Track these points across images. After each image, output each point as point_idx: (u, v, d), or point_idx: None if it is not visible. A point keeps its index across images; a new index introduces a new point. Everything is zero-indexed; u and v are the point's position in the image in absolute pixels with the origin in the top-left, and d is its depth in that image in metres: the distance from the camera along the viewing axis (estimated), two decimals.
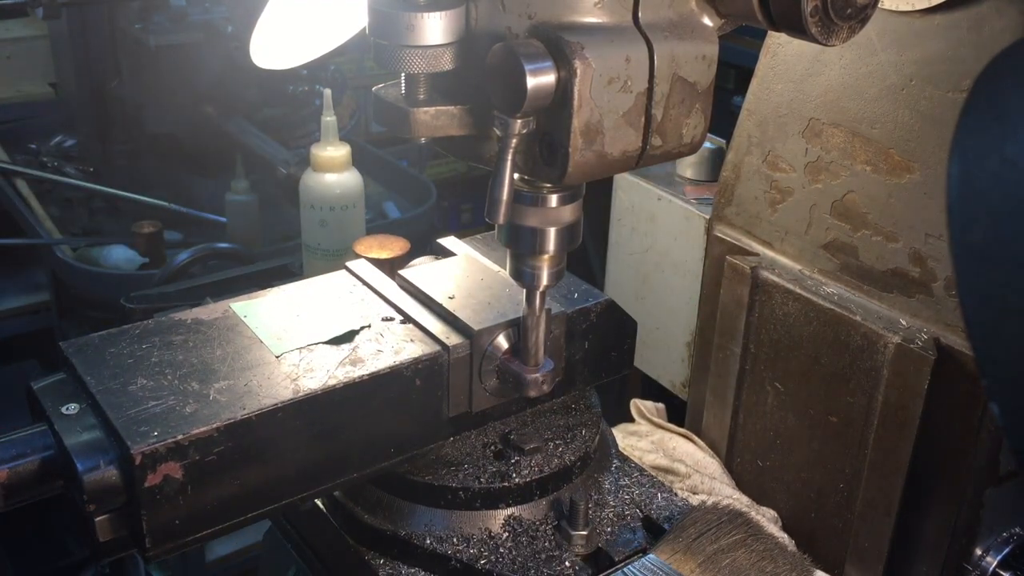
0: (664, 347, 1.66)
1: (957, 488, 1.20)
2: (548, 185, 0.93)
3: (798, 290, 1.31)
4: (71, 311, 2.45)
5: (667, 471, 1.42)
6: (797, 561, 1.12)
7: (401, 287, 1.13)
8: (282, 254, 2.13)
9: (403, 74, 0.89)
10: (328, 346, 1.02)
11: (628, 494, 1.14)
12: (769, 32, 1.02)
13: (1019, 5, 1.08)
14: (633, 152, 0.88)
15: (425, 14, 0.84)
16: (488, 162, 0.92)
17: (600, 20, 0.84)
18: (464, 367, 1.04)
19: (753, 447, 1.43)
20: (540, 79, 0.81)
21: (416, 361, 1.01)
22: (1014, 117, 0.63)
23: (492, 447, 1.11)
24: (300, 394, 0.94)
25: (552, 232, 0.95)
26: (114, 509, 0.89)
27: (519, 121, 0.83)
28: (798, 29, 0.87)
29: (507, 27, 0.85)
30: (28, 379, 0.97)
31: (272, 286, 1.14)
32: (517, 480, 1.07)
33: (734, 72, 2.83)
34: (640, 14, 0.85)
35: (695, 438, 1.50)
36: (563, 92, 0.82)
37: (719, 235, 1.45)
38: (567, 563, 1.03)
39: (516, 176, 0.91)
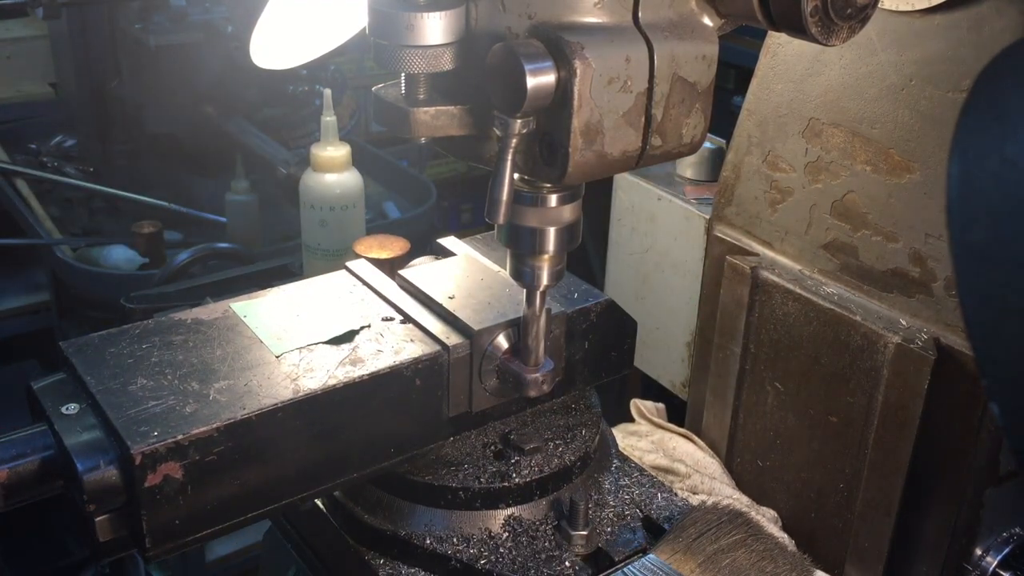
0: (664, 347, 1.66)
1: (957, 488, 1.20)
2: (548, 185, 0.93)
3: (798, 290, 1.31)
4: (71, 311, 2.45)
5: (667, 471, 1.42)
6: (797, 561, 1.12)
7: (401, 287, 1.13)
8: (282, 254, 2.13)
9: (403, 74, 0.89)
10: (328, 346, 1.02)
11: (628, 494, 1.14)
12: (769, 32, 1.02)
13: (1019, 5, 1.08)
14: (633, 152, 0.88)
15: (425, 14, 0.84)
16: (488, 162, 0.92)
17: (600, 20, 0.84)
18: (464, 367, 1.04)
19: (753, 447, 1.43)
20: (540, 79, 0.81)
21: (416, 361, 1.01)
22: (1014, 117, 0.63)
23: (492, 447, 1.11)
24: (300, 394, 0.94)
25: (552, 232, 0.95)
26: (114, 509, 0.89)
27: (519, 121, 0.83)
28: (798, 29, 0.87)
29: (507, 27, 0.85)
30: (28, 379, 0.97)
31: (272, 286, 1.14)
32: (517, 480, 1.07)
33: (734, 72, 2.83)
34: (640, 14, 0.85)
35: (695, 438, 1.50)
36: (563, 92, 0.82)
37: (719, 235, 1.45)
38: (567, 563, 1.03)
39: (516, 176, 0.91)
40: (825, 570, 1.24)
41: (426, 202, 2.54)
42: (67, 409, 0.92)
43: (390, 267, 1.20)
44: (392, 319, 1.07)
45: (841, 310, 1.27)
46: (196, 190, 2.63)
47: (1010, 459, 1.17)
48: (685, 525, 1.07)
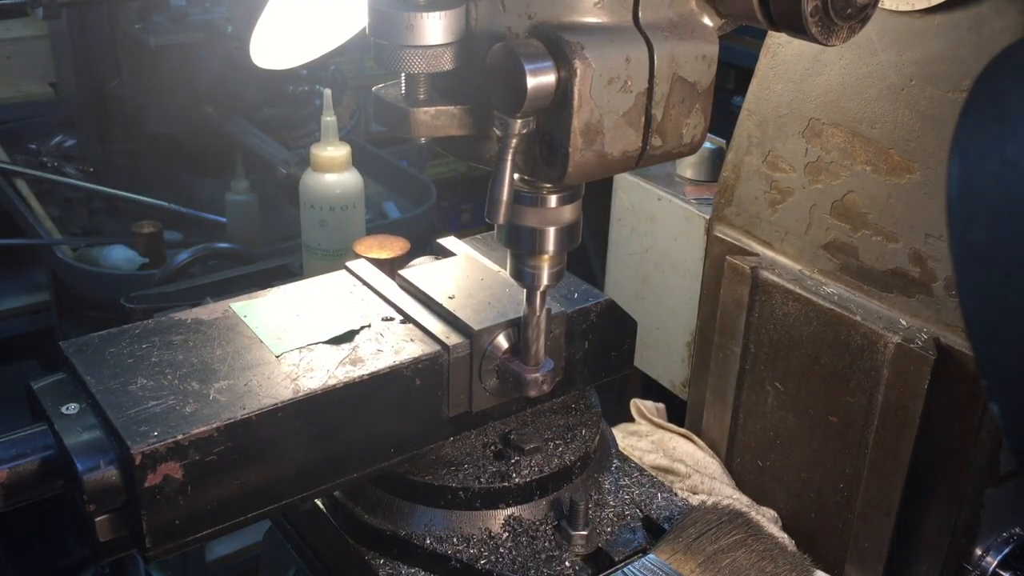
0: (664, 347, 1.66)
1: (957, 488, 1.20)
2: (548, 185, 0.93)
3: (798, 290, 1.31)
4: (71, 311, 2.45)
5: (667, 471, 1.42)
6: (797, 561, 1.12)
7: (401, 287, 1.13)
8: (282, 254, 2.13)
9: (403, 74, 0.89)
10: (328, 346, 1.02)
11: (628, 494, 1.14)
12: (769, 32, 1.02)
13: (1019, 5, 1.08)
14: (633, 152, 0.88)
15: (425, 14, 0.84)
16: (488, 162, 0.92)
17: (600, 20, 0.84)
18: (464, 367, 1.04)
19: (753, 447, 1.43)
20: (540, 79, 0.81)
21: (416, 361, 1.01)
22: (1014, 117, 0.63)
23: (492, 447, 1.11)
24: (300, 394, 0.94)
25: (552, 232, 0.95)
26: (114, 509, 0.89)
27: (519, 121, 0.83)
28: (798, 29, 0.87)
29: (507, 27, 0.85)
30: (28, 379, 0.97)
31: (272, 286, 1.14)
32: (517, 480, 1.07)
33: (734, 72, 2.83)
34: (640, 14, 0.85)
35: (695, 438, 1.50)
36: (563, 92, 0.82)
37: (719, 235, 1.45)
38: (567, 563, 1.03)
39: (516, 176, 0.91)
40: (825, 570, 1.24)
41: (426, 202, 2.54)
42: (67, 409, 0.92)
43: (390, 267, 1.20)
44: (392, 319, 1.07)
45: (841, 310, 1.27)
46: (196, 190, 2.63)
47: (1010, 459, 1.17)
48: (685, 525, 1.07)
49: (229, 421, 0.90)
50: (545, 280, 0.99)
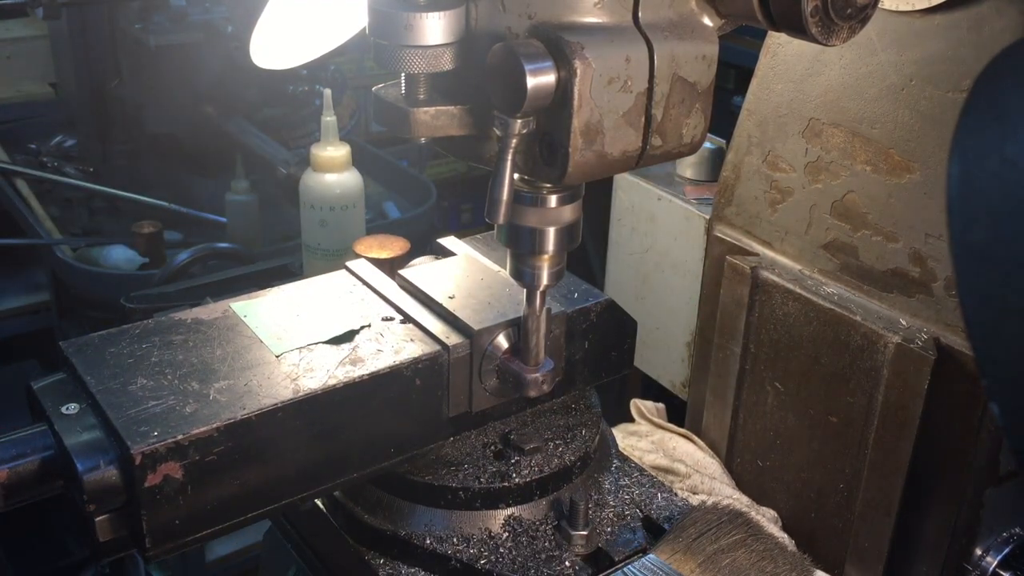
0: (664, 347, 1.66)
1: (957, 488, 1.20)
2: (548, 185, 0.93)
3: (798, 290, 1.31)
4: (71, 311, 2.45)
5: (667, 471, 1.42)
6: (797, 561, 1.12)
7: (401, 287, 1.13)
8: (282, 254, 2.13)
9: (403, 74, 0.89)
10: (328, 346, 1.02)
11: (628, 494, 1.14)
12: (769, 32, 1.02)
13: (1019, 5, 1.08)
14: (633, 152, 0.88)
15: (425, 14, 0.84)
16: (488, 162, 0.92)
17: (600, 20, 0.84)
18: (464, 367, 1.04)
19: (753, 447, 1.43)
20: (540, 79, 0.81)
21: (416, 361, 1.01)
22: (1014, 117, 0.63)
23: (492, 447, 1.11)
24: (300, 394, 0.94)
25: (552, 232, 0.95)
26: (114, 509, 0.89)
27: (519, 121, 0.83)
28: (798, 29, 0.87)
29: (507, 27, 0.85)
30: (28, 379, 0.97)
31: (272, 286, 1.14)
32: (517, 480, 1.07)
33: (734, 72, 2.83)
34: (640, 14, 0.85)
35: (695, 438, 1.50)
36: (563, 92, 0.82)
37: (719, 235, 1.45)
38: (567, 563, 1.03)
39: (516, 176, 0.91)
40: (825, 570, 1.24)
41: (426, 202, 2.54)
42: (67, 409, 0.92)
43: (390, 267, 1.20)
44: (392, 319, 1.07)
45: (841, 310, 1.27)
46: (196, 190, 2.63)
47: (1010, 459, 1.17)
48: (685, 525, 1.07)
49: (229, 421, 0.90)
50: (545, 280, 0.99)
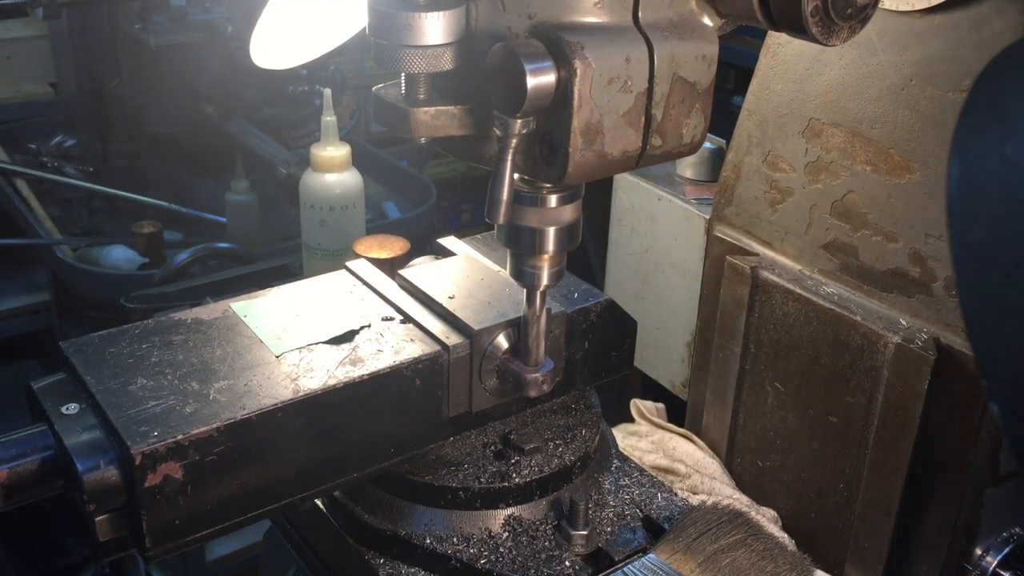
0: (664, 347, 1.66)
1: (957, 488, 1.20)
2: (548, 185, 0.93)
3: (798, 290, 1.31)
4: (71, 311, 2.45)
5: (667, 471, 1.42)
6: (797, 561, 1.12)
7: (401, 287, 1.13)
8: (282, 254, 2.13)
9: (403, 74, 0.89)
10: (328, 346, 1.02)
11: (628, 494, 1.14)
12: (769, 32, 1.02)
13: (1019, 5, 1.08)
14: (633, 152, 0.88)
15: (425, 14, 0.84)
16: (488, 162, 0.92)
17: (600, 20, 0.84)
18: (464, 367, 1.04)
19: (753, 447, 1.43)
20: (540, 79, 0.81)
21: (416, 361, 1.01)
22: (1014, 117, 0.63)
23: (492, 447, 1.11)
24: (300, 394, 0.94)
25: (552, 232, 0.95)
26: (114, 509, 0.89)
27: (519, 121, 0.83)
28: (798, 29, 0.87)
29: (507, 27, 0.85)
30: (28, 379, 0.97)
31: (272, 286, 1.14)
32: (517, 480, 1.07)
33: (734, 72, 2.83)
34: (640, 14, 0.85)
35: (695, 438, 1.50)
36: (563, 92, 0.82)
37: (719, 235, 1.45)
38: (567, 563, 1.03)
39: (516, 176, 0.91)
40: (825, 570, 1.24)
41: (426, 202, 2.54)
42: (67, 409, 0.92)
43: (390, 267, 1.20)
44: (392, 319, 1.07)
45: (841, 310, 1.27)
46: (196, 190, 2.63)
47: (1010, 459, 1.17)
48: (685, 525, 1.07)
49: (229, 421, 0.90)
50: (545, 280, 0.99)
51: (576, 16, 0.84)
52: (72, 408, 0.92)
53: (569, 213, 0.96)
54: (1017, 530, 1.25)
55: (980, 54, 1.12)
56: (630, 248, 1.71)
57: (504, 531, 1.06)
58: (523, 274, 0.99)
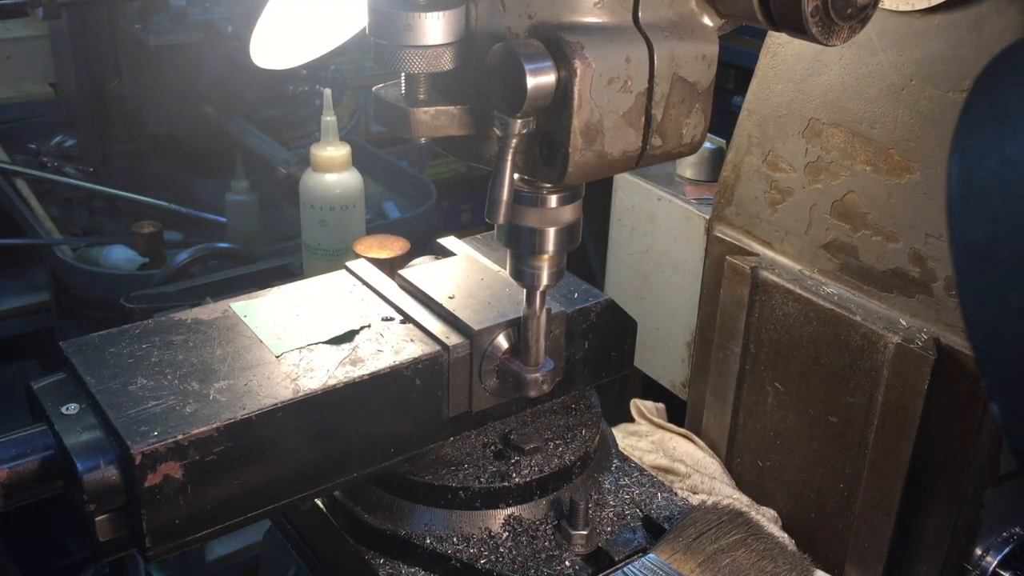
0: (664, 347, 1.66)
1: (957, 488, 1.20)
2: (548, 185, 0.93)
3: (798, 290, 1.31)
4: (71, 311, 2.45)
5: (667, 471, 1.42)
6: (797, 561, 1.12)
7: (401, 287, 1.13)
8: (282, 254, 2.13)
9: (403, 74, 0.89)
10: (328, 346, 1.02)
11: (628, 494, 1.14)
12: (769, 32, 1.02)
13: (1019, 5, 1.08)
14: (633, 152, 0.88)
15: (425, 14, 0.84)
16: (488, 162, 0.92)
17: (600, 20, 0.84)
18: (464, 367, 1.04)
19: (753, 447, 1.43)
20: (540, 79, 0.81)
21: (416, 361, 1.01)
22: (1014, 117, 0.63)
23: (492, 447, 1.11)
24: (300, 394, 0.94)
25: (552, 232, 0.95)
26: (114, 509, 0.89)
27: (519, 121, 0.83)
28: (798, 29, 0.87)
29: (507, 27, 0.85)
30: (28, 379, 0.97)
31: (272, 286, 1.14)
32: (517, 480, 1.07)
33: (734, 72, 2.83)
34: (640, 14, 0.85)
35: (695, 438, 1.50)
36: (563, 92, 0.82)
37: (719, 235, 1.45)
38: (567, 563, 1.03)
39: (516, 176, 0.91)
40: (825, 570, 1.24)
41: (426, 202, 2.54)
42: (67, 409, 0.92)
43: (390, 267, 1.20)
44: (392, 319, 1.07)
45: (841, 310, 1.27)
46: (196, 190, 2.63)
47: (1010, 459, 1.17)
48: (685, 525, 1.07)
49: (229, 421, 0.90)
50: (545, 280, 0.99)
51: (576, 16, 0.84)
52: (72, 408, 0.92)
53: (569, 213, 0.96)
54: (1017, 530, 1.25)
55: (980, 54, 1.12)
56: (630, 248, 1.71)
57: (504, 531, 1.06)
58: (523, 274, 0.99)
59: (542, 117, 0.84)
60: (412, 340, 1.04)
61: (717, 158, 1.62)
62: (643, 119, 0.86)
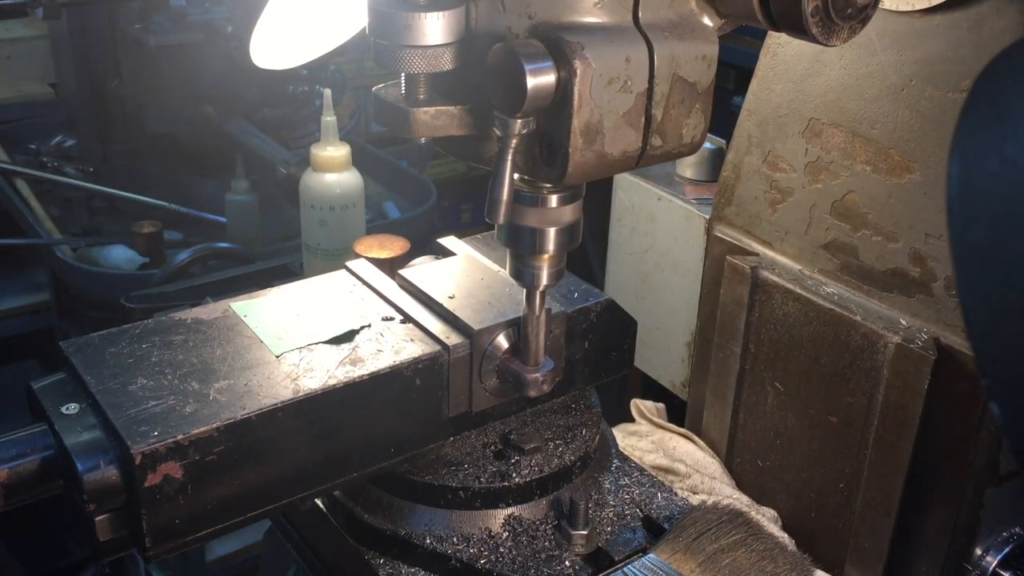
0: (664, 347, 1.66)
1: (957, 488, 1.20)
2: (548, 185, 0.93)
3: (798, 290, 1.31)
4: (71, 311, 2.45)
5: (667, 471, 1.42)
6: (797, 561, 1.12)
7: (401, 287, 1.13)
8: (282, 254, 2.13)
9: (403, 74, 0.89)
10: (328, 346, 1.02)
11: (628, 494, 1.14)
12: (769, 32, 1.02)
13: (1019, 5, 1.08)
14: (633, 152, 0.88)
15: (425, 14, 0.84)
16: (488, 162, 0.92)
17: (600, 20, 0.84)
18: (464, 367, 1.04)
19: (753, 447, 1.43)
20: (540, 79, 0.81)
21: (416, 361, 1.01)
22: (1014, 117, 0.63)
23: (492, 447, 1.11)
24: (300, 394, 0.94)
25: (552, 232, 0.95)
26: (114, 509, 0.89)
27: (519, 121, 0.83)
28: (799, 29, 0.87)
29: (507, 27, 0.85)
30: (28, 379, 0.97)
31: (272, 286, 1.14)
32: (517, 480, 1.07)
33: (734, 72, 2.83)
34: (640, 14, 0.85)
35: (695, 438, 1.50)
36: (563, 92, 0.82)
37: (719, 235, 1.45)
38: (567, 563, 1.03)
39: (516, 176, 0.91)
40: (825, 570, 1.24)
41: (426, 202, 2.54)
42: (67, 409, 0.92)
43: (390, 267, 1.20)
44: (392, 319, 1.07)
45: (841, 310, 1.27)
46: (196, 190, 2.64)
47: (1010, 459, 1.17)
48: (685, 525, 1.07)
49: (229, 421, 0.90)
50: (545, 280, 0.99)
51: (576, 16, 0.84)
52: (72, 408, 0.92)
53: (569, 213, 0.96)
54: (1017, 530, 1.25)
55: (980, 54, 1.12)
56: (630, 248, 1.71)
57: (504, 531, 1.06)
58: (523, 274, 0.99)
59: (542, 117, 0.84)
60: (412, 340, 1.04)
61: (717, 158, 1.62)
62: (643, 119, 0.87)
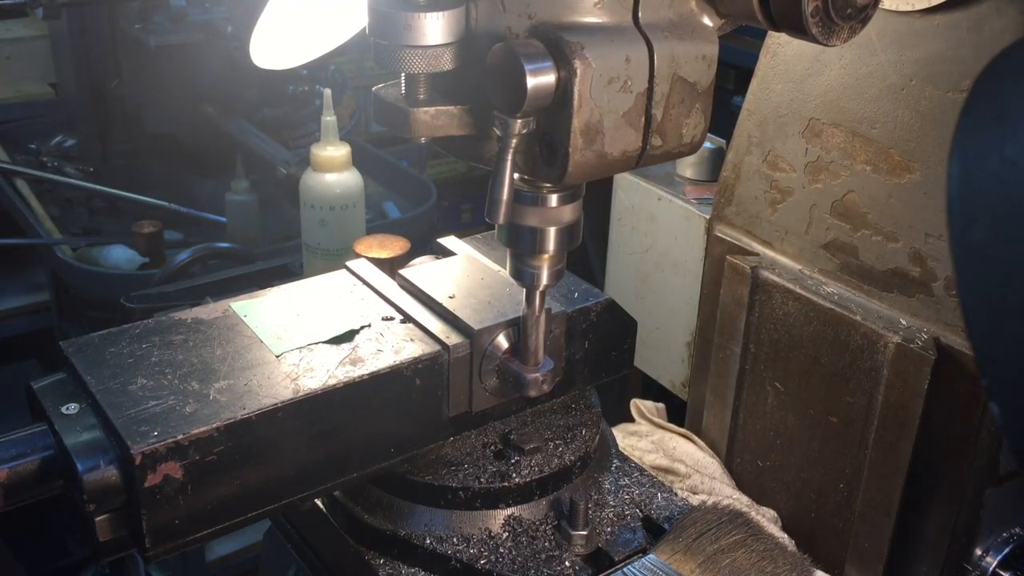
0: (664, 347, 1.66)
1: (957, 488, 1.20)
2: (548, 185, 0.93)
3: (798, 290, 1.31)
4: (71, 311, 2.45)
5: (667, 471, 1.42)
6: (797, 561, 1.12)
7: (401, 287, 1.13)
8: (282, 254, 2.13)
9: (403, 74, 0.89)
10: (328, 346, 1.02)
11: (628, 494, 1.14)
12: (769, 32, 1.02)
13: (1019, 5, 1.08)
14: (633, 152, 0.88)
15: (425, 14, 0.84)
16: (488, 162, 0.92)
17: (600, 20, 0.84)
18: (464, 367, 1.04)
19: (753, 447, 1.43)
20: (540, 79, 0.81)
21: (416, 361, 1.01)
22: (1014, 117, 0.63)
23: (492, 447, 1.11)
24: (300, 394, 0.94)
25: (552, 232, 0.95)
26: (114, 509, 0.89)
27: (519, 121, 0.83)
28: (799, 29, 0.87)
29: (507, 27, 0.85)
30: (28, 379, 0.97)
31: (272, 286, 1.14)
32: (517, 480, 1.07)
33: (734, 72, 2.83)
34: (640, 14, 0.85)
35: (695, 438, 1.50)
36: (563, 92, 0.82)
37: (719, 235, 1.45)
38: (567, 563, 1.03)
39: (516, 176, 0.91)
40: (825, 570, 1.24)
41: (426, 202, 2.54)
42: (67, 409, 0.92)
43: (390, 267, 1.20)
44: (392, 319, 1.07)
45: (841, 310, 1.27)
46: (196, 190, 2.64)
47: (1010, 459, 1.17)
48: (685, 525, 1.07)
49: (229, 421, 0.90)
50: (545, 280, 0.99)
51: (576, 16, 0.84)
52: (72, 408, 0.92)
53: (569, 213, 0.96)
54: (1017, 530, 1.25)
55: (980, 54, 1.12)
56: (630, 248, 1.71)
57: (504, 531, 1.06)
58: (523, 274, 0.99)
59: (542, 117, 0.84)
60: (412, 340, 1.04)
61: (717, 158, 1.62)
62: (643, 119, 0.87)
